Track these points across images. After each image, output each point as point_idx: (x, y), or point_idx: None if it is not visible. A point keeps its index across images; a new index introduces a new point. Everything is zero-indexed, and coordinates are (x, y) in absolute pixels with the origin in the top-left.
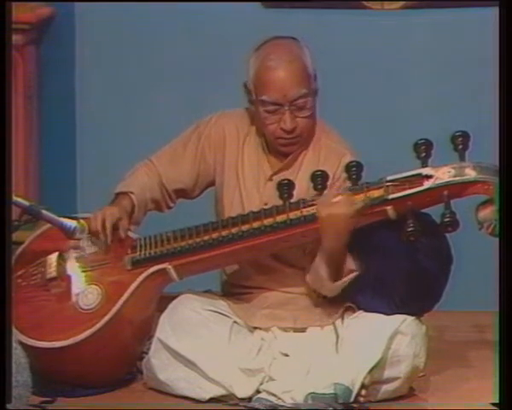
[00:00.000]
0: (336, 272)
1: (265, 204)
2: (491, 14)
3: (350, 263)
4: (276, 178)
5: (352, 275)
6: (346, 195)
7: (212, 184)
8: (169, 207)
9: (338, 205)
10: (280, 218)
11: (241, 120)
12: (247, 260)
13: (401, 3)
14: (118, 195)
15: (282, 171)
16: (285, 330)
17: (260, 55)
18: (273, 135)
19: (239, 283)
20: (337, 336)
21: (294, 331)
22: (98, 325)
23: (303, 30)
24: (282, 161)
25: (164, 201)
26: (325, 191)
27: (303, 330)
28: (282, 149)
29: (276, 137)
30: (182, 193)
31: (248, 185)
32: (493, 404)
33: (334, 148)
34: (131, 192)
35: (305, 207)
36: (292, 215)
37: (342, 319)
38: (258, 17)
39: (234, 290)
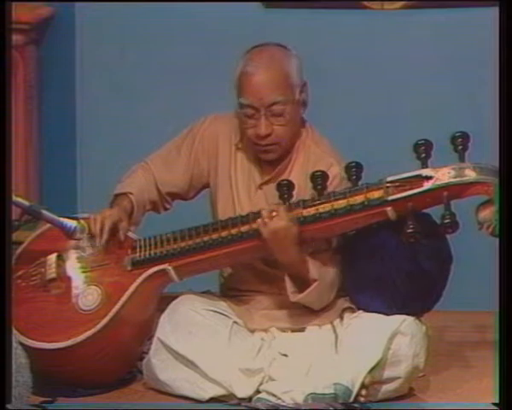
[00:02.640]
0: (301, 284)
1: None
2: (491, 14)
3: (313, 272)
4: (266, 188)
5: (314, 285)
6: (281, 209)
7: (207, 186)
8: (165, 209)
9: (276, 220)
10: None
11: (234, 124)
12: (242, 265)
13: (401, 3)
14: (116, 196)
15: (271, 181)
16: (283, 330)
17: (244, 60)
18: (251, 140)
19: (235, 286)
20: (336, 336)
21: (292, 331)
22: (98, 326)
23: (303, 30)
24: (273, 169)
25: (160, 202)
26: (263, 210)
27: (301, 329)
28: (260, 155)
29: (254, 143)
30: (176, 196)
31: (240, 191)
32: (493, 404)
33: (323, 158)
34: (130, 193)
35: (305, 208)
36: (292, 215)
37: (342, 319)
38: (259, 17)
39: (231, 293)
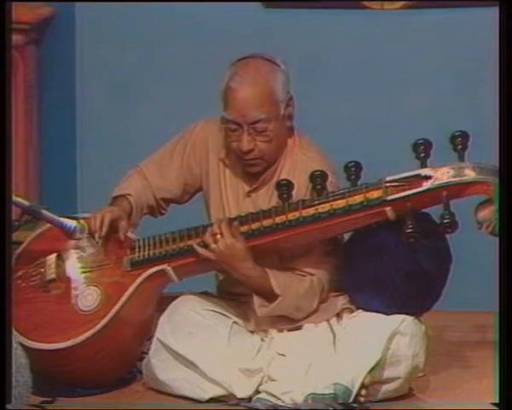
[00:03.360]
0: (269, 297)
1: None
2: (491, 14)
3: (274, 287)
4: (254, 196)
5: (278, 300)
6: (225, 227)
7: (200, 189)
8: (161, 214)
9: (222, 240)
10: (279, 219)
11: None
12: None
13: (401, 3)
14: (115, 199)
15: (259, 188)
16: (280, 330)
17: (229, 73)
18: (236, 154)
19: (230, 289)
20: (334, 335)
21: (289, 330)
22: (98, 327)
23: (303, 30)
24: (260, 177)
25: (156, 207)
26: (205, 235)
27: (298, 328)
28: (245, 168)
29: (238, 157)
30: (171, 201)
31: (230, 199)
32: (493, 404)
33: (310, 166)
34: (129, 194)
35: (304, 209)
36: (291, 216)
37: (340, 318)
38: (259, 17)
39: (227, 296)
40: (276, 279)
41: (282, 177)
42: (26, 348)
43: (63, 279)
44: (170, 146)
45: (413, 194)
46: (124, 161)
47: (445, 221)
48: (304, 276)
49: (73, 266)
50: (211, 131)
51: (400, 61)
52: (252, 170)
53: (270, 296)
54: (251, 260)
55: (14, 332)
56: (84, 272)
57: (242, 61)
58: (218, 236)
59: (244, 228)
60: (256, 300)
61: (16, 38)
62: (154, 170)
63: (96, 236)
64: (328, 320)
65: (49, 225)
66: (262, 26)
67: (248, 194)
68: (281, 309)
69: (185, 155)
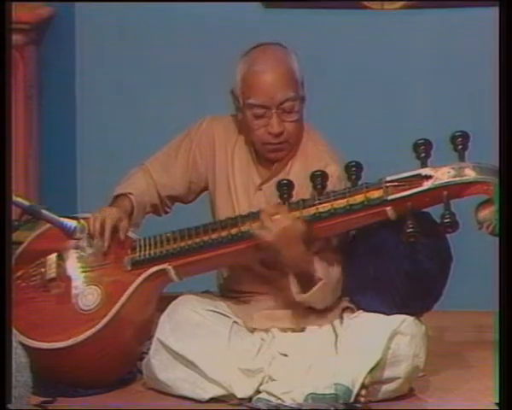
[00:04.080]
0: (307, 283)
1: None
2: (491, 14)
3: (318, 271)
4: (266, 188)
5: (319, 284)
6: (283, 209)
7: (206, 189)
8: (166, 212)
9: (280, 220)
10: None
11: (230, 126)
12: (241, 267)
13: (401, 3)
14: (116, 197)
15: (270, 179)
16: (284, 330)
17: (247, 61)
18: (261, 141)
19: (234, 288)
20: (336, 336)
21: (293, 331)
22: (98, 326)
23: (303, 30)
24: (270, 170)
25: (161, 205)
26: (262, 214)
27: (302, 329)
28: (269, 155)
29: (264, 143)
30: (176, 199)
31: (239, 194)
32: (495, 404)
33: (320, 157)
34: (130, 193)
35: (304, 208)
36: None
37: (342, 319)
38: (259, 17)
39: (230, 295)
40: (320, 266)
41: (295, 169)
42: (26, 348)
43: (63, 279)
44: (175, 144)
45: (414, 193)
46: (124, 160)
47: (446, 221)
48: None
49: (74, 266)
50: (217, 128)
51: (400, 61)
52: (277, 156)
53: (307, 283)
54: (303, 244)
55: (15, 331)
56: (84, 272)
57: (258, 48)
58: (276, 216)
59: (245, 227)
60: (294, 285)
61: (16, 38)
62: (160, 167)
63: (99, 243)
64: (332, 323)
65: (49, 224)
66: (262, 26)
67: (260, 187)
68: (316, 296)
69: (191, 153)
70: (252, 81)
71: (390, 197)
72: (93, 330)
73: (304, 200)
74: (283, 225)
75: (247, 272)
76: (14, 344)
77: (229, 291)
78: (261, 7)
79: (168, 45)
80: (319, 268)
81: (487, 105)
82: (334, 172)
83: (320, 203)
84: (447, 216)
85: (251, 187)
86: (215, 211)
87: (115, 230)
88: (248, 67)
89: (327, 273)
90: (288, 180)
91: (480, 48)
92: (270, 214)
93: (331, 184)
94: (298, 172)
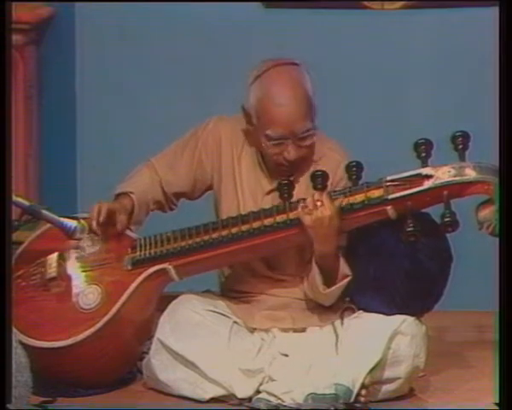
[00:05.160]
0: (330, 278)
1: None
2: (491, 14)
3: (344, 268)
4: (275, 193)
5: (346, 280)
6: (326, 197)
7: (211, 187)
8: (171, 209)
9: (322, 209)
10: (280, 218)
11: (237, 128)
12: (242, 266)
13: (401, 3)
14: (117, 196)
15: None
16: (284, 330)
17: (263, 85)
18: (275, 162)
19: (236, 288)
20: (337, 337)
21: (294, 332)
22: (98, 325)
23: (303, 30)
24: (281, 176)
25: (166, 202)
26: (308, 199)
27: (303, 330)
28: (283, 174)
29: (278, 165)
30: (181, 196)
31: (246, 197)
32: (495, 404)
33: (331, 156)
34: (131, 192)
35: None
36: (292, 215)
37: (342, 319)
38: (259, 17)
39: (231, 295)
40: (344, 262)
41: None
42: (26, 347)
43: (64, 278)
44: (182, 142)
45: (414, 193)
46: (124, 160)
47: (446, 220)
48: None
49: (74, 265)
50: (223, 128)
51: (400, 61)
52: (289, 174)
53: (329, 278)
54: (337, 237)
55: (15, 331)
56: (84, 271)
57: (272, 70)
58: (319, 203)
59: (245, 227)
60: (318, 278)
61: (16, 38)
62: (165, 164)
63: (94, 223)
64: (333, 323)
65: (49, 225)
66: (262, 26)
67: (269, 192)
68: (338, 291)
69: (196, 152)
70: (270, 112)
71: (390, 196)
72: (93, 329)
73: (304, 199)
74: (323, 214)
75: (247, 271)
76: (14, 344)
77: (230, 291)
78: (261, 7)
79: (168, 45)
80: (344, 264)
81: (487, 105)
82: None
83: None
84: (447, 215)
85: (258, 191)
86: (219, 211)
87: (113, 221)
88: (265, 93)
89: (349, 270)
90: (288, 180)
91: (480, 48)
92: (315, 201)
93: (345, 182)
94: (309, 173)
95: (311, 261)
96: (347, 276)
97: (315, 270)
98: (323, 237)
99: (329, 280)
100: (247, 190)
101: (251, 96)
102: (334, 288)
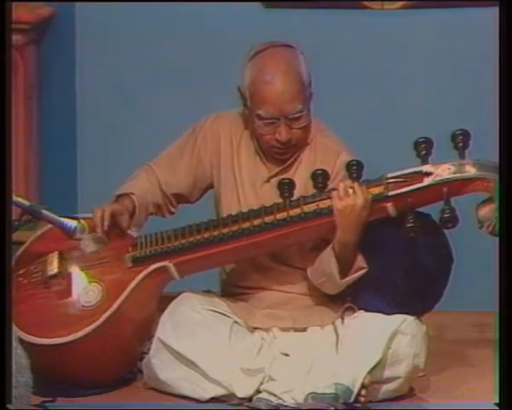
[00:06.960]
0: (346, 268)
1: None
2: (491, 14)
3: (360, 260)
4: (274, 181)
5: (361, 272)
6: (359, 186)
7: (210, 187)
8: (170, 213)
9: (354, 196)
10: (280, 215)
11: (235, 122)
12: (245, 260)
13: (401, 3)
14: (118, 197)
15: (282, 173)
16: (285, 329)
17: (256, 65)
18: (268, 144)
19: (238, 283)
20: (337, 336)
21: (295, 331)
22: (98, 322)
23: (303, 30)
24: (279, 163)
25: (165, 205)
26: (340, 185)
27: (303, 329)
28: (276, 156)
29: (271, 147)
30: (181, 197)
31: (246, 187)
32: (495, 404)
33: (330, 146)
34: (132, 193)
35: (305, 204)
36: (292, 213)
37: (342, 318)
38: (259, 17)
39: (233, 290)
40: (361, 255)
41: (305, 162)
42: (27, 345)
43: (64, 276)
44: (180, 141)
45: (414, 190)
46: (124, 161)
47: (446, 215)
48: None
49: (75, 263)
50: (222, 124)
51: (400, 61)
52: (284, 157)
53: (344, 268)
54: (362, 227)
55: (15, 328)
56: (85, 269)
57: (267, 52)
58: (351, 190)
59: (246, 224)
60: (335, 266)
61: (16, 38)
62: (164, 165)
63: (99, 230)
64: (333, 322)
65: (50, 225)
66: (262, 26)
67: (268, 180)
68: (353, 281)
69: (195, 149)
70: (261, 91)
71: (391, 193)
72: (93, 325)
73: (304, 196)
74: (354, 202)
75: (251, 266)
76: (15, 344)
77: (232, 286)
78: (261, 7)
79: (168, 45)
80: (360, 257)
81: (487, 104)
82: (347, 160)
83: (321, 200)
84: (447, 211)
85: (258, 180)
86: (220, 206)
87: (116, 223)
88: (257, 73)
89: (365, 264)
90: (289, 179)
91: (480, 48)
92: (348, 186)
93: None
94: (308, 164)
95: (313, 250)
96: (363, 268)
97: (332, 259)
98: (350, 225)
99: (345, 270)
100: (246, 179)
101: (245, 77)
102: (349, 278)
